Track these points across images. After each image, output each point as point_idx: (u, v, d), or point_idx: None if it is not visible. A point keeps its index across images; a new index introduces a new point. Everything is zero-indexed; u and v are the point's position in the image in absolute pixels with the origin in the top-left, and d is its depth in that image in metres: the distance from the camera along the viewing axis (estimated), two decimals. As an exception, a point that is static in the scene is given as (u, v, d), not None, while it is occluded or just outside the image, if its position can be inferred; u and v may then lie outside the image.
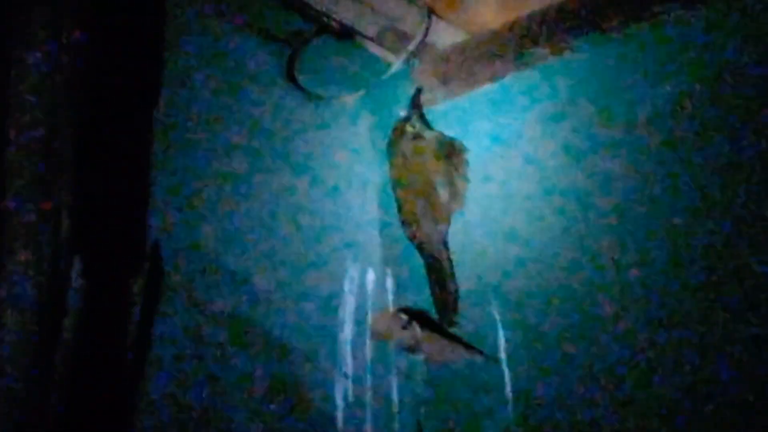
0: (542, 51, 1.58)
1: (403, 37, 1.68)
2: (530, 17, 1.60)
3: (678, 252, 1.42)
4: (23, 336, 1.31)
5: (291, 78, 1.67)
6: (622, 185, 1.51)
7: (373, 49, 1.72)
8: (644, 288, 1.45)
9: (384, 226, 1.65)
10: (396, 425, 1.57)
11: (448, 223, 1.59)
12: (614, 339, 1.47)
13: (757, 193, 1.36)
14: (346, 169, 1.68)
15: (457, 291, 1.58)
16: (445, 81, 1.64)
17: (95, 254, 1.43)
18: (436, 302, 1.59)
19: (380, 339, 1.59)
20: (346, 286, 1.62)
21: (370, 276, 1.63)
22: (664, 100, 1.49)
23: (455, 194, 1.60)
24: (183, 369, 1.50)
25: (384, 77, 1.69)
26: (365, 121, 1.71)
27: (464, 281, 1.59)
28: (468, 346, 1.57)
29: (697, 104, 1.45)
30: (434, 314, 1.59)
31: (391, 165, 1.63)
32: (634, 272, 1.47)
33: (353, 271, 1.62)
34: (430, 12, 1.68)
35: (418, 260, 1.60)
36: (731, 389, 1.33)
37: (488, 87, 1.63)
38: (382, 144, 1.64)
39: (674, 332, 1.41)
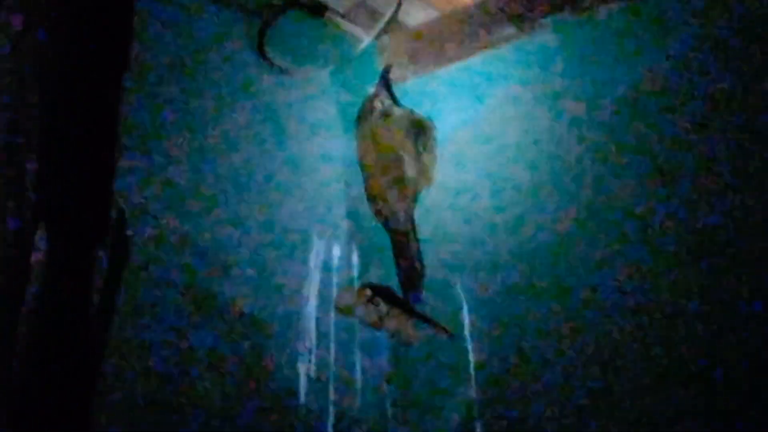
0: (512, 30, 1.59)
1: (374, 14, 1.68)
2: (501, -4, 1.59)
3: (647, 229, 1.43)
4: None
5: (260, 51, 1.66)
6: (590, 164, 1.51)
7: (344, 25, 1.72)
8: (612, 267, 1.46)
9: (350, 201, 1.65)
10: (358, 400, 1.57)
11: (415, 200, 1.60)
12: (581, 320, 1.48)
13: (725, 172, 1.37)
14: (313, 145, 1.67)
15: (422, 268, 1.59)
16: (414, 58, 1.64)
17: (60, 222, 1.42)
18: (401, 279, 1.60)
19: (344, 314, 1.59)
20: (312, 261, 1.61)
21: (336, 251, 1.62)
22: (634, 79, 1.49)
23: (423, 171, 1.60)
24: (145, 340, 1.50)
25: (354, 53, 1.69)
26: (334, 97, 1.70)
27: (430, 258, 1.59)
28: (432, 323, 1.57)
29: (666, 84, 1.46)
30: (399, 291, 1.60)
31: (359, 141, 1.63)
32: (602, 251, 1.48)
33: (319, 246, 1.62)
34: (402, -11, 1.67)
35: (384, 237, 1.61)
36: (700, 373, 1.34)
37: (458, 65, 1.64)
38: (351, 120, 1.64)
39: (643, 316, 1.41)
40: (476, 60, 1.63)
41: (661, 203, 1.43)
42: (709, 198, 1.38)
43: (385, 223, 1.60)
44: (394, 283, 1.60)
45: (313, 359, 1.57)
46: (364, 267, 1.63)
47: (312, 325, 1.59)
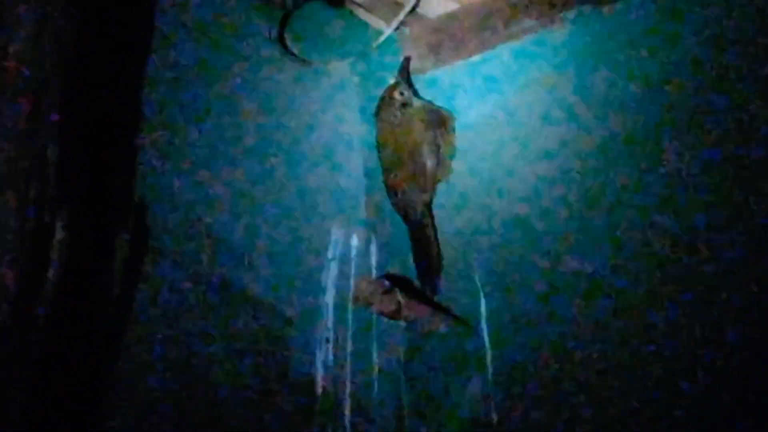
0: (532, 22, 1.58)
1: (394, 5, 1.67)
2: (521, -12, 1.59)
3: (678, 226, 1.44)
4: (2, 287, 1.31)
5: (281, 41, 1.67)
6: (612, 159, 1.51)
7: (364, 16, 1.72)
8: (635, 261, 1.47)
9: (369, 191, 1.64)
10: (375, 390, 1.57)
11: (434, 191, 1.60)
12: (600, 312, 1.49)
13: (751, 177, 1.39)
14: (333, 135, 1.67)
15: (440, 259, 1.58)
16: (434, 50, 1.63)
17: (80, 208, 1.43)
18: (419, 270, 1.59)
19: (362, 304, 1.58)
20: (330, 251, 1.61)
21: (354, 241, 1.61)
22: (653, 74, 1.50)
23: (441, 163, 1.59)
24: (164, 328, 1.52)
25: (374, 45, 1.68)
26: (353, 88, 1.69)
27: (448, 250, 1.58)
28: (450, 314, 1.57)
29: (687, 79, 1.47)
30: (417, 281, 1.60)
31: (378, 132, 1.62)
32: (624, 244, 1.49)
33: (337, 236, 1.62)
34: (422, -20, 1.66)
35: (403, 227, 1.60)
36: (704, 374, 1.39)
37: (477, 57, 1.63)
38: (370, 111, 1.63)
39: (657, 312, 1.44)
40: (496, 53, 1.62)
41: (687, 201, 1.44)
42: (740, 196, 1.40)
43: (404, 215, 1.60)
44: (412, 274, 1.59)
45: (331, 349, 1.58)
46: (383, 258, 1.62)
47: (330, 314, 1.59)
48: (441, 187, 1.60)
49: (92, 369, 1.46)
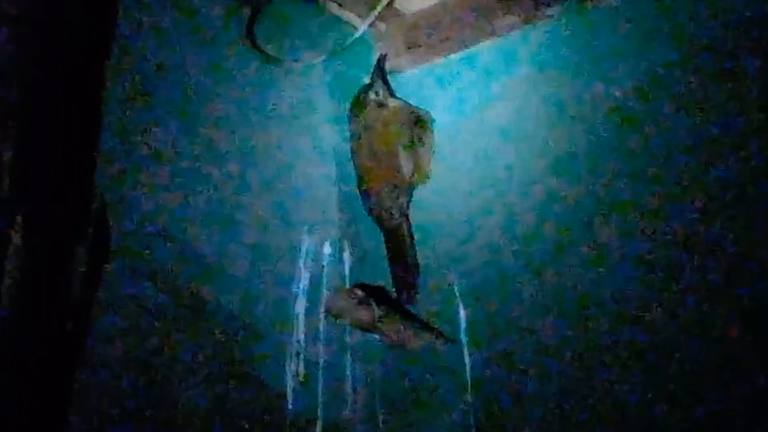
0: (514, 18, 1.55)
1: (370, 0, 1.64)
2: (502, -17, 1.56)
3: (664, 228, 1.42)
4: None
5: (249, 38, 1.62)
6: (593, 158, 1.48)
7: (337, 11, 1.68)
8: (622, 267, 1.45)
9: (342, 197, 1.61)
10: (348, 407, 1.55)
11: (410, 196, 1.56)
12: (583, 321, 1.46)
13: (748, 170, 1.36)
14: (304, 137, 1.63)
15: (417, 267, 1.54)
16: (412, 47, 1.62)
17: (37, 213, 1.37)
18: (395, 279, 1.55)
19: (335, 316, 1.55)
20: (301, 260, 1.58)
21: (326, 249, 1.59)
22: (643, 71, 1.47)
23: (419, 166, 1.55)
24: (126, 340, 1.46)
25: (348, 42, 1.64)
26: (326, 88, 1.66)
27: (425, 257, 1.55)
28: (427, 326, 1.54)
29: (679, 75, 1.44)
30: (392, 291, 1.55)
31: (352, 134, 1.58)
32: (606, 250, 1.46)
33: (308, 244, 1.58)
34: (399, -26, 1.64)
35: (377, 234, 1.55)
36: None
37: (457, 55, 1.61)
38: (343, 112, 1.59)
39: (642, 325, 1.41)
40: (478, 50, 1.60)
41: (676, 201, 1.41)
42: (731, 192, 1.36)
43: (378, 220, 1.55)
44: (388, 283, 1.55)
45: (302, 363, 1.54)
46: (356, 266, 1.60)
47: (301, 327, 1.55)
48: (418, 191, 1.56)
49: (48, 383, 1.38)
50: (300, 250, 1.57)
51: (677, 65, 1.45)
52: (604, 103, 1.49)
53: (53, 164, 1.42)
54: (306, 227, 1.58)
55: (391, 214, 1.54)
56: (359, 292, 1.53)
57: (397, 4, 1.64)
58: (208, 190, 1.55)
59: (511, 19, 1.55)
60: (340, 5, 1.66)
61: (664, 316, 1.39)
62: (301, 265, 1.57)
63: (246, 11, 1.62)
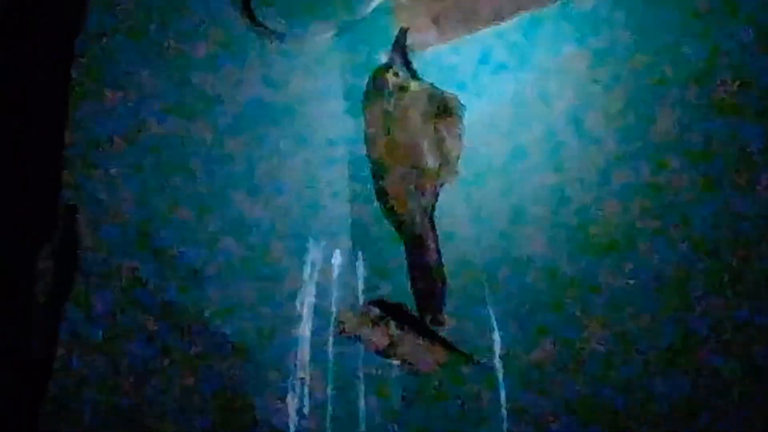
0: (554, -12, 1.45)
1: (388, -36, 1.53)
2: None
3: (699, 233, 1.38)
4: None
5: (246, 11, 1.52)
6: (650, 146, 1.41)
7: (350, -22, 1.57)
8: (667, 277, 1.39)
9: (355, 198, 1.49)
10: None
11: (436, 196, 1.47)
12: (630, 341, 1.40)
13: None
14: (312, 127, 1.51)
15: (444, 281, 1.45)
16: (437, 21, 1.49)
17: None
18: (417, 294, 1.46)
19: (346, 337, 1.45)
20: (307, 271, 1.47)
21: (337, 260, 1.47)
22: (696, 48, 1.41)
23: (446, 161, 1.46)
24: (97, 363, 1.44)
25: (362, 14, 1.52)
26: (337, 68, 1.53)
27: (453, 269, 1.45)
28: (455, 351, 1.44)
29: (737, 54, 1.39)
30: (414, 309, 1.46)
31: (368, 123, 1.48)
32: (654, 259, 1.40)
33: (316, 253, 1.47)
34: (422, -66, 1.53)
35: (397, 241, 1.46)
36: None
37: (491, 29, 1.48)
38: (357, 97, 1.49)
39: (688, 332, 1.38)
40: (513, 24, 1.48)
41: (722, 198, 1.37)
42: None
43: (399, 225, 1.46)
44: (409, 300, 1.46)
45: (307, 393, 1.45)
46: (372, 280, 1.48)
47: (306, 349, 1.46)
48: (445, 191, 1.47)
49: (16, 404, 1.40)
50: (305, 260, 1.49)
51: (745, 42, 1.38)
52: (654, 78, 1.40)
53: (15, 164, 1.43)
54: (312, 233, 1.49)
55: (414, 217, 1.46)
56: (375, 310, 1.45)
57: (420, -30, 1.51)
58: (196, 192, 1.48)
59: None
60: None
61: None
62: (306, 277, 1.48)
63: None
